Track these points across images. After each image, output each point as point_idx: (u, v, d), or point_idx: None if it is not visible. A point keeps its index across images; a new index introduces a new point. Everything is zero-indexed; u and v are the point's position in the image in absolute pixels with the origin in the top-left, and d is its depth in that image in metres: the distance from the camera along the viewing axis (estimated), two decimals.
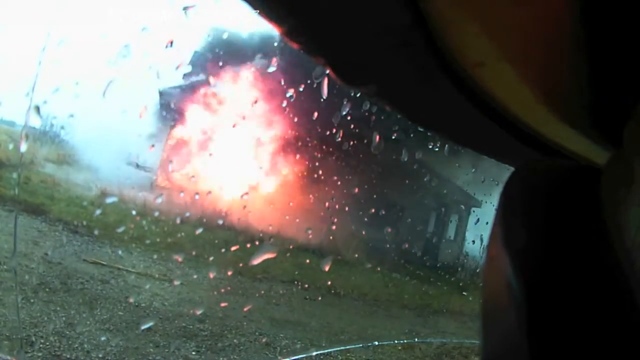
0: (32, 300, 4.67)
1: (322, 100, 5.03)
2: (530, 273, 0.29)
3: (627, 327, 0.27)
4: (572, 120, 0.39)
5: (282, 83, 9.11)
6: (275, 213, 9.22)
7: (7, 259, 5.05)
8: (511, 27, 0.31)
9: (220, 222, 8.23)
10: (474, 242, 10.76)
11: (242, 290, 6.38)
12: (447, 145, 6.90)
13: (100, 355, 4.15)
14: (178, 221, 7.44)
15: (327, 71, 0.42)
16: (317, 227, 8.88)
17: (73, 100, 6.17)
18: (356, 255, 9.02)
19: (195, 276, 6.38)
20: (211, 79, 10.80)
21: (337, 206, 9.10)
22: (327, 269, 7.18)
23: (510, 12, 0.30)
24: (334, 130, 7.61)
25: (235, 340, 5.07)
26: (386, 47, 0.38)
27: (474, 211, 12.25)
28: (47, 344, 4.04)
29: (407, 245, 10.69)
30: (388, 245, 9.97)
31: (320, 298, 7.12)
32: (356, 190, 9.50)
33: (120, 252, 6.66)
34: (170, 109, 10.81)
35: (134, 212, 7.26)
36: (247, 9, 0.35)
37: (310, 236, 8.57)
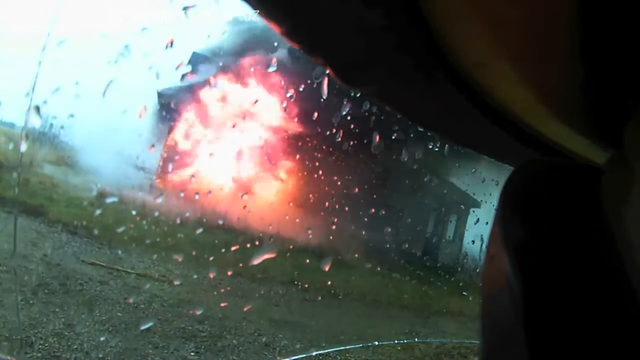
0: (31, 302, 4.67)
1: (322, 100, 5.03)
2: (529, 271, 0.29)
3: (627, 324, 0.27)
4: (571, 120, 0.39)
5: (282, 83, 9.12)
6: (275, 213, 9.22)
7: (6, 260, 5.06)
8: (511, 27, 0.31)
9: (220, 222, 8.22)
10: (473, 242, 10.76)
11: (242, 291, 6.38)
12: (447, 145, 6.90)
13: (100, 356, 4.15)
14: (178, 221, 7.44)
15: (327, 71, 0.42)
16: (317, 227, 8.88)
17: (73, 100, 6.16)
18: (356, 255, 9.02)
19: (194, 277, 6.37)
20: (211, 79, 10.81)
21: (337, 206, 9.10)
22: (327, 269, 7.17)
23: (509, 12, 0.30)
24: (334, 130, 7.61)
25: (234, 341, 5.07)
26: (386, 47, 0.38)
27: (473, 211, 12.25)
28: (47, 344, 4.05)
29: (407, 245, 10.69)
30: (388, 245, 9.98)
31: (319, 299, 7.11)
32: (356, 190, 9.50)
33: (119, 253, 6.65)
34: (169, 110, 10.80)
35: (133, 213, 7.25)
36: (247, 9, 0.36)
37: (310, 236, 8.57)
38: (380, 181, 10.60)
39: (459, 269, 11.19)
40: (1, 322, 4.13)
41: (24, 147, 5.79)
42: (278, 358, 5.03)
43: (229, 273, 6.50)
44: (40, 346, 4.00)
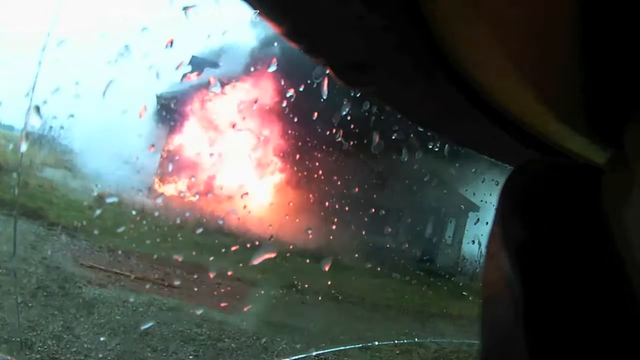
0: (30, 304, 4.68)
1: (322, 100, 5.03)
2: (528, 270, 0.29)
3: (628, 324, 0.27)
4: (571, 120, 0.39)
5: (282, 83, 9.12)
6: (275, 213, 9.22)
7: (6, 262, 5.06)
8: (511, 26, 0.31)
9: (220, 222, 8.22)
10: (473, 242, 10.76)
11: (240, 294, 6.37)
12: (447, 145, 6.90)
13: (99, 357, 4.15)
14: (178, 222, 7.43)
15: (327, 71, 0.42)
16: (317, 227, 8.88)
17: (73, 100, 6.16)
18: (356, 256, 9.02)
19: (193, 280, 6.36)
20: (211, 79, 10.80)
21: (337, 206, 9.09)
22: (327, 269, 7.16)
23: (510, 12, 0.30)
24: (334, 130, 7.61)
25: (233, 345, 5.08)
26: (386, 47, 0.38)
27: (473, 212, 12.24)
28: (45, 347, 4.06)
29: (406, 245, 10.69)
30: (388, 246, 9.98)
31: (318, 301, 7.11)
32: (356, 190, 9.50)
33: (118, 256, 6.65)
34: (169, 112, 10.79)
35: (132, 216, 7.25)
36: (247, 9, 0.36)
37: (310, 236, 8.57)
38: (380, 181, 10.60)
39: (459, 269, 11.19)
40: (0, 324, 4.13)
41: (24, 147, 5.79)
42: (275, 359, 5.04)
43: (229, 273, 6.49)
44: (39, 348, 4.01)
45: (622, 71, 0.31)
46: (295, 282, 7.37)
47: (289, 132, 10.46)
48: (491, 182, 8.44)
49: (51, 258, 5.97)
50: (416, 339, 6.51)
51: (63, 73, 6.02)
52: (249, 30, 11.00)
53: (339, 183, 9.39)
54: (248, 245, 6.81)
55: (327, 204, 9.21)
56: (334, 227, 8.85)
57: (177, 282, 6.14)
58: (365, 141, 7.68)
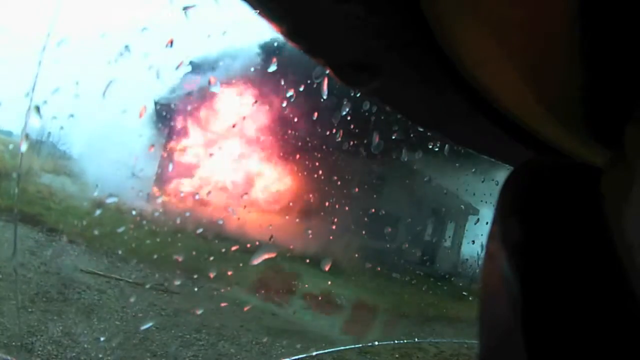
0: (30, 309, 4.69)
1: (322, 100, 5.03)
2: (527, 271, 0.29)
3: (626, 324, 0.27)
4: (571, 120, 0.39)
5: (282, 83, 9.12)
6: (275, 213, 9.22)
7: (5, 268, 5.07)
8: (511, 27, 0.31)
9: (220, 222, 8.22)
10: (473, 242, 10.76)
11: (239, 299, 6.36)
12: (447, 146, 6.90)
13: None
14: (178, 223, 7.42)
15: (327, 71, 0.42)
16: (317, 227, 8.88)
17: (73, 100, 6.16)
18: (356, 255, 9.02)
19: (191, 285, 6.35)
20: (210, 80, 10.80)
21: (337, 206, 9.10)
22: (327, 269, 7.15)
23: (510, 12, 0.30)
24: (334, 130, 7.61)
25: (231, 350, 5.09)
26: (386, 47, 0.38)
27: (472, 212, 12.24)
28: (45, 352, 4.07)
29: (406, 245, 10.69)
30: (388, 246, 9.98)
31: (318, 303, 7.11)
32: (356, 190, 9.51)
33: (117, 261, 6.65)
34: (168, 113, 10.80)
35: (131, 221, 7.22)
36: (247, 9, 0.36)
37: (310, 236, 8.57)
38: (380, 181, 10.61)
39: (458, 270, 11.19)
40: (0, 329, 4.14)
41: (24, 147, 5.78)
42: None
43: (229, 273, 6.48)
44: (39, 352, 4.03)
45: (622, 71, 0.31)
46: (295, 284, 7.37)
47: (289, 132, 10.46)
48: (491, 182, 8.43)
49: (50, 264, 5.97)
50: (416, 339, 6.51)
51: (63, 73, 6.02)
52: (249, 30, 10.99)
53: (339, 183, 9.39)
54: (248, 246, 6.81)
55: (327, 204, 9.22)
56: (333, 227, 8.85)
57: (176, 287, 6.13)
58: (365, 141, 7.68)
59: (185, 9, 5.27)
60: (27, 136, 5.57)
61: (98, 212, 7.20)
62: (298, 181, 10.55)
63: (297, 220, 8.99)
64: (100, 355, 4.27)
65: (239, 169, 10.40)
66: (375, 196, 10.12)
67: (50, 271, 5.77)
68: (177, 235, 7.28)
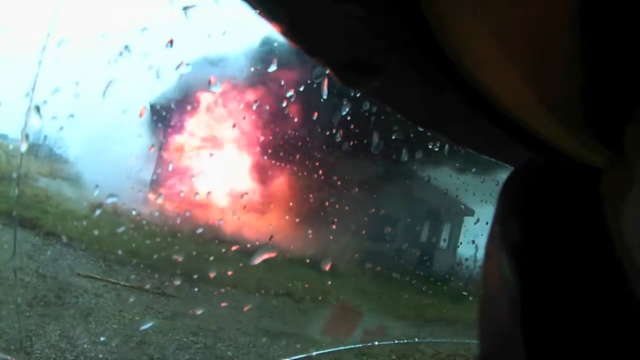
0: (27, 314, 4.70)
1: (322, 100, 5.03)
2: (527, 271, 0.29)
3: (625, 325, 0.27)
4: (571, 120, 0.39)
5: (282, 83, 9.12)
6: (275, 213, 9.22)
7: (3, 271, 5.08)
8: (512, 27, 0.31)
9: (220, 222, 8.22)
10: (473, 242, 10.76)
11: (236, 302, 6.35)
12: (447, 146, 6.90)
13: None
14: (178, 223, 7.41)
15: (327, 71, 0.42)
16: (317, 227, 8.88)
17: (73, 100, 6.15)
18: (356, 255, 9.02)
19: (190, 287, 6.34)
20: (210, 80, 10.80)
21: (337, 206, 9.10)
22: (327, 269, 7.14)
23: (510, 13, 0.30)
24: (334, 130, 7.61)
25: (229, 353, 5.09)
26: (386, 47, 0.38)
27: (472, 213, 12.24)
28: (43, 355, 4.08)
29: (406, 245, 10.70)
30: (388, 246, 9.98)
31: (318, 304, 7.10)
32: (356, 190, 9.51)
33: (114, 264, 6.64)
34: (168, 113, 10.77)
35: (128, 225, 7.20)
36: (247, 9, 0.36)
37: (310, 236, 8.57)
38: (380, 181, 10.60)
39: (458, 270, 11.18)
40: None
41: (24, 147, 5.77)
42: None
43: (229, 273, 6.48)
44: (37, 355, 4.04)
45: (622, 71, 0.31)
46: (294, 285, 7.36)
47: (289, 132, 10.46)
48: (491, 182, 8.43)
49: (47, 268, 5.96)
50: (416, 339, 6.51)
51: (63, 73, 6.02)
52: (249, 30, 10.97)
53: (338, 183, 9.39)
54: (248, 246, 6.80)
55: (327, 204, 9.22)
56: (333, 227, 8.85)
57: (174, 289, 6.12)
58: (365, 141, 7.68)
59: (185, 9, 5.27)
60: (27, 136, 5.57)
61: (98, 212, 7.19)
62: (298, 181, 10.55)
63: (297, 220, 8.99)
64: (100, 356, 4.28)
65: (238, 169, 10.41)
66: (375, 196, 10.11)
67: (48, 275, 5.77)
68: (177, 235, 7.27)
